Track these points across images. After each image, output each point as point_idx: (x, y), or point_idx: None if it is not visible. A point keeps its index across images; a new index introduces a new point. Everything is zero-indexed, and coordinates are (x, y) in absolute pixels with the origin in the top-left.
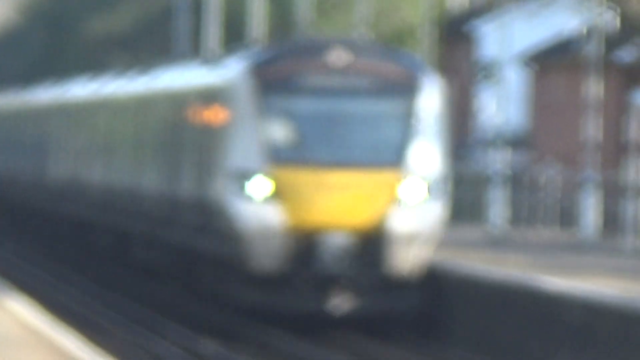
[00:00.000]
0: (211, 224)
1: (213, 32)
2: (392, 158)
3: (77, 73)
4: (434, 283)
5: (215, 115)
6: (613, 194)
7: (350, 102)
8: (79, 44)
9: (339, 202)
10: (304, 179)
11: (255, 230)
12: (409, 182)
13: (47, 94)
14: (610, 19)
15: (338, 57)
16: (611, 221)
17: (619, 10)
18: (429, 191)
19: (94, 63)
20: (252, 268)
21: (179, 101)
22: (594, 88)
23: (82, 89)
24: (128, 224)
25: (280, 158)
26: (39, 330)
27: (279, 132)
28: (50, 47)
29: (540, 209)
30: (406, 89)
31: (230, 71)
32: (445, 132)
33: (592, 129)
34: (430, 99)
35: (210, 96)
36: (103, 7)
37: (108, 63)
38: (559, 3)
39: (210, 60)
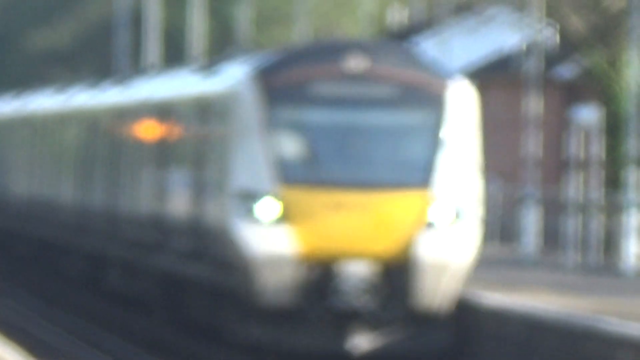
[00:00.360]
0: (210, 250)
1: (153, 47)
2: (418, 177)
3: (19, 87)
4: (462, 317)
5: (214, 128)
6: (553, 210)
7: (369, 113)
8: (19, 59)
9: (358, 226)
10: (319, 200)
11: (263, 258)
12: (438, 204)
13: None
14: (549, 36)
15: (355, 62)
16: (552, 237)
17: (558, 27)
18: (460, 214)
19: (34, 78)
20: (259, 300)
21: (166, 113)
22: (534, 104)
23: (47, 101)
24: (104, 248)
25: (290, 177)
26: None
27: (289, 147)
28: None
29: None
30: (433, 97)
31: (231, 78)
32: (478, 145)
33: (533, 145)
34: (460, 108)
35: (208, 107)
36: (43, 22)
37: (49, 78)
38: (499, 19)
39: (204, 66)
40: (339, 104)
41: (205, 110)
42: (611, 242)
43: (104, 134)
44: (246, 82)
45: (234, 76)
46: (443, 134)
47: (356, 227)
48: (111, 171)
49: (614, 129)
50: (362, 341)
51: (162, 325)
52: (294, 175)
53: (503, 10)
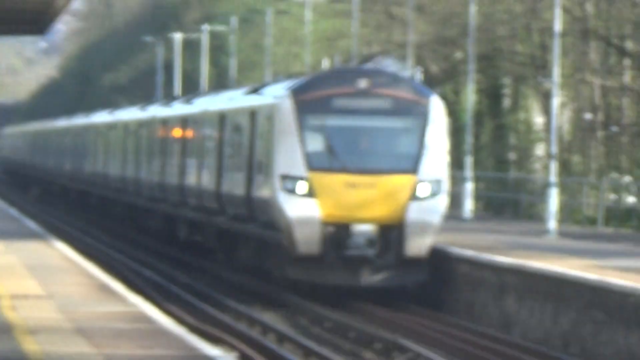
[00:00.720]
0: (260, 214)
1: (177, 84)
2: (407, 164)
3: (98, 108)
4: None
5: (263, 129)
6: None
7: (373, 120)
8: (96, 90)
9: (365, 199)
10: (337, 181)
11: (298, 220)
12: (421, 184)
13: (101, 118)
14: (419, 75)
15: (362, 82)
16: None
17: (423, 69)
18: (435, 190)
19: (106, 102)
20: (296, 249)
21: (225, 118)
22: None
23: (134, 113)
24: (175, 211)
25: (317, 165)
26: (76, 262)
27: (315, 144)
28: (78, 93)
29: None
30: (418, 109)
31: (275, 95)
32: (447, 143)
33: None
34: (437, 116)
35: (259, 114)
36: (110, 67)
37: (115, 103)
38: (389, 66)
39: (252, 89)
40: (351, 113)
41: (257, 117)
42: (457, 201)
43: (176, 133)
44: (285, 97)
45: (276, 94)
46: (425, 134)
47: (363, 200)
48: (181, 159)
49: (457, 132)
50: (367, 277)
51: (221, 266)
52: (319, 164)
53: (392, 60)
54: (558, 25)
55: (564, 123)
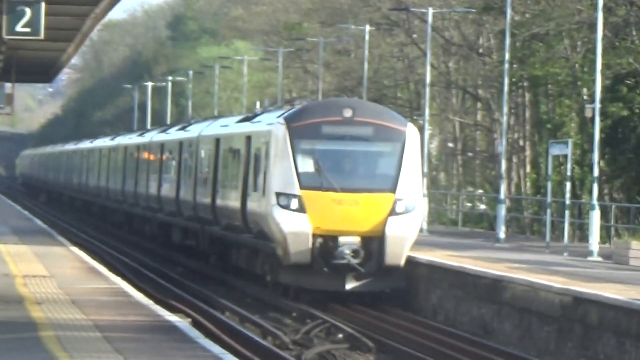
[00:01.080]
0: (255, 225)
1: (148, 119)
2: (387, 184)
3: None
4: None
5: (259, 152)
6: None
7: (356, 145)
8: (88, 123)
9: (350, 214)
10: (325, 198)
11: (292, 232)
12: (399, 201)
13: (104, 143)
14: None
15: (347, 112)
16: None
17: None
18: (412, 207)
19: (96, 133)
20: (288, 258)
21: (222, 142)
22: None
23: (133, 138)
24: (170, 220)
25: (308, 184)
26: (72, 251)
27: (307, 165)
28: (75, 125)
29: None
30: (396, 135)
31: (271, 122)
32: (421, 165)
33: None
34: (412, 142)
35: (255, 138)
36: (101, 105)
37: (104, 132)
38: None
39: (245, 117)
40: (337, 139)
41: (252, 141)
42: None
43: (172, 154)
44: (280, 124)
45: (270, 121)
46: (402, 157)
47: (348, 215)
48: (176, 175)
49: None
50: (351, 283)
51: (213, 268)
52: (310, 183)
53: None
54: (428, 78)
55: (433, 150)
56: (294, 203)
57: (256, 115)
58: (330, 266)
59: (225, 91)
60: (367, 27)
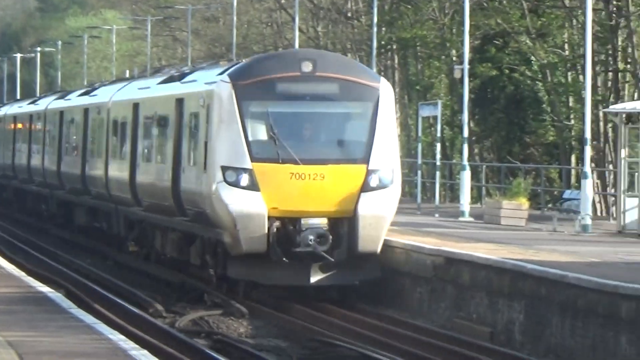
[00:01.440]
0: (195, 208)
1: (18, 91)
2: (358, 153)
3: None
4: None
5: (197, 118)
6: None
7: (319, 105)
8: None
9: (314, 191)
10: (282, 172)
11: (243, 215)
12: (374, 174)
13: None
14: None
15: (306, 65)
16: None
17: None
18: (389, 180)
19: None
20: (240, 247)
21: (154, 108)
22: None
23: (34, 106)
24: (74, 198)
25: (261, 155)
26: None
27: (258, 132)
28: None
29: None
30: (368, 93)
31: (210, 81)
32: (396, 130)
33: None
34: (387, 101)
35: (191, 102)
36: None
37: None
38: None
39: (170, 77)
40: (296, 98)
41: (184, 105)
42: None
43: (73, 124)
44: (223, 83)
45: (209, 79)
46: (375, 121)
47: (311, 192)
48: (81, 148)
49: None
50: (317, 276)
51: (135, 256)
52: (263, 154)
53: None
54: (297, 43)
55: None
56: (245, 179)
57: (185, 74)
58: (291, 255)
59: (94, 61)
60: None
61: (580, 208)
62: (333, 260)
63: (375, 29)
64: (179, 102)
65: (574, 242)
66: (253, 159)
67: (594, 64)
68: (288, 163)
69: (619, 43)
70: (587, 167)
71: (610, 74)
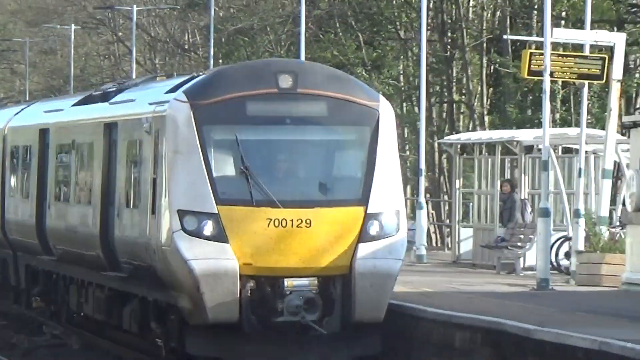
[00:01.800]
0: (141, 263)
1: None
2: (353, 192)
3: None
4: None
5: (147, 148)
6: None
7: (302, 132)
8: None
9: (298, 242)
10: (258, 217)
11: (208, 273)
12: (374, 218)
13: None
14: None
15: (285, 80)
16: None
17: None
18: (393, 226)
19: None
20: (204, 315)
21: (69, 137)
22: None
23: None
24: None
25: (229, 195)
26: None
27: (226, 166)
28: None
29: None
30: (365, 116)
31: (159, 101)
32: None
33: None
34: (388, 127)
35: (129, 129)
36: None
37: None
38: None
39: (89, 97)
40: (274, 122)
41: (119, 132)
42: None
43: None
44: (179, 102)
45: (157, 99)
46: (377, 150)
47: (295, 243)
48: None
49: None
50: (303, 353)
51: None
52: (232, 194)
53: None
54: (134, 74)
55: None
56: (209, 227)
57: (110, 93)
58: (271, 326)
59: None
60: (73, 27)
61: (415, 238)
62: (325, 332)
63: (212, 61)
64: (109, 127)
65: (409, 272)
66: (219, 201)
67: (429, 95)
68: (264, 206)
69: (454, 74)
70: (422, 197)
71: (445, 105)
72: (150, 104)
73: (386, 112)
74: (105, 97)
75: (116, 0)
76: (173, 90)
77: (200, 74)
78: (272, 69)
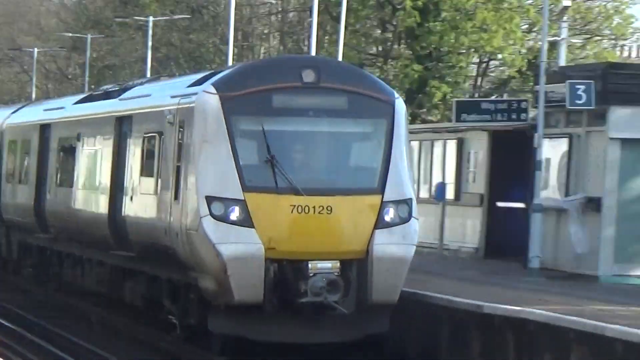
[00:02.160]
0: (170, 247)
1: None
2: (370, 181)
3: None
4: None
5: (169, 140)
6: None
7: (324, 123)
8: None
9: (320, 227)
10: (283, 204)
11: (235, 257)
12: (390, 206)
13: None
14: None
15: (308, 74)
16: None
17: None
18: (407, 214)
19: None
20: (231, 296)
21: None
22: None
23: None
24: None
25: (255, 183)
26: None
27: (252, 155)
28: None
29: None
30: (382, 109)
31: (186, 93)
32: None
33: None
34: (402, 120)
35: (156, 121)
36: None
37: None
38: None
39: (92, 96)
40: (297, 113)
41: (144, 123)
42: None
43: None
44: (208, 94)
45: (183, 92)
46: (393, 142)
47: (317, 228)
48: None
49: None
50: (324, 332)
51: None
52: (259, 182)
53: None
54: (34, 96)
55: None
56: (236, 212)
57: (117, 92)
58: (294, 307)
59: None
60: None
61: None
62: (346, 311)
63: (87, 86)
64: (120, 120)
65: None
66: (245, 188)
67: None
68: (288, 193)
69: None
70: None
71: None
72: (172, 97)
73: (400, 107)
74: (110, 96)
75: (22, 43)
76: (197, 83)
77: (222, 69)
78: (296, 63)
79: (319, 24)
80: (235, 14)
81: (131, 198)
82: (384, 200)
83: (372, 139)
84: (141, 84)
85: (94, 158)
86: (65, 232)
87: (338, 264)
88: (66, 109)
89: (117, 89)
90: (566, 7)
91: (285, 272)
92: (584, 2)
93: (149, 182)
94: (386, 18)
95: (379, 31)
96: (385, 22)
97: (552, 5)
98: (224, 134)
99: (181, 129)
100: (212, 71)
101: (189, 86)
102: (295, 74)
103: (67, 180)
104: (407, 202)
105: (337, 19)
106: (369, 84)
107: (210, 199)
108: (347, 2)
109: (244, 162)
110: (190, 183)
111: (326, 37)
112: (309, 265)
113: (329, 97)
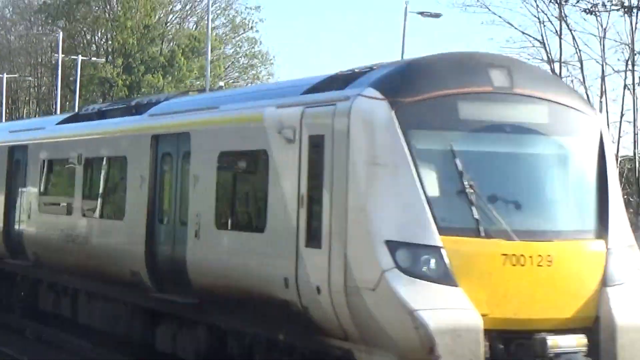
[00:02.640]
0: (320, 312)
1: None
2: (589, 220)
3: None
4: None
5: (280, 161)
6: None
7: (527, 143)
8: None
9: (540, 286)
10: (493, 253)
11: (446, 329)
12: (615, 254)
13: None
14: None
15: (498, 77)
16: None
17: None
18: (634, 264)
19: None
20: None
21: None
22: None
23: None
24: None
25: (449, 223)
26: None
27: (443, 184)
28: None
29: None
30: (588, 126)
31: (334, 97)
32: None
33: None
34: (609, 141)
35: (247, 136)
36: None
37: None
38: None
39: (140, 104)
40: (493, 128)
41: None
42: None
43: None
44: (373, 99)
45: (324, 96)
46: (607, 168)
47: (537, 288)
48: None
49: None
50: None
51: None
52: (456, 221)
53: None
54: None
55: None
56: (432, 264)
57: (143, 105)
58: None
59: None
60: None
61: None
62: None
63: None
64: (156, 139)
65: None
66: (441, 231)
67: None
68: (496, 237)
69: None
70: None
71: None
72: (280, 107)
73: (605, 124)
74: (124, 112)
75: None
76: (332, 87)
77: (385, 64)
78: (482, 61)
79: None
80: None
81: (196, 235)
82: (608, 246)
83: (582, 164)
84: (166, 99)
85: (114, 182)
86: (47, 260)
87: (585, 340)
88: (47, 129)
89: (140, 102)
90: None
91: (511, 350)
92: None
93: (239, 216)
94: None
95: None
96: None
97: None
98: (402, 155)
99: (316, 147)
100: (351, 70)
101: (305, 93)
102: (483, 75)
103: (77, 208)
104: (630, 248)
105: None
106: (570, 92)
107: (393, 245)
108: None
109: (431, 194)
110: (353, 221)
111: None
112: (549, 341)
113: (526, 107)
